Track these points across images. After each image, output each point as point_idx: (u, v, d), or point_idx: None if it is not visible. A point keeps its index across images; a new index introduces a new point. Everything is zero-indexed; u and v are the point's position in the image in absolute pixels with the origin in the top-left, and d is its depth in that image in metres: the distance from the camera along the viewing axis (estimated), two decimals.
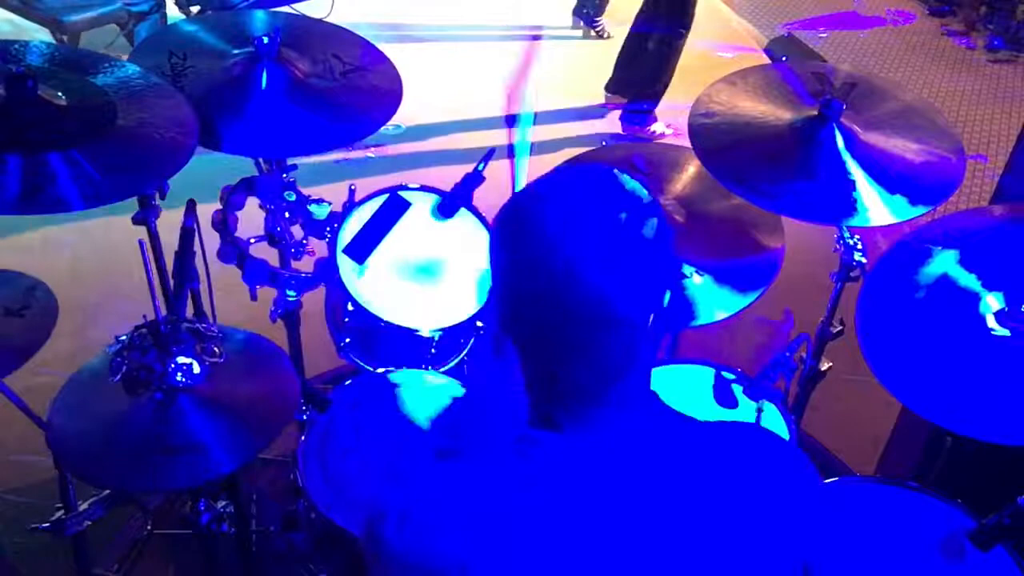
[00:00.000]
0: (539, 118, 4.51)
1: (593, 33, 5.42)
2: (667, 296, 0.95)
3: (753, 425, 1.70)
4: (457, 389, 1.89)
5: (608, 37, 5.36)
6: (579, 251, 0.87)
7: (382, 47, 2.13)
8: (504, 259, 0.94)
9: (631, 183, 0.94)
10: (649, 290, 0.92)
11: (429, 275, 2.03)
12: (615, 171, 0.94)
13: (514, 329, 0.95)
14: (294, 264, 2.14)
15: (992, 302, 1.57)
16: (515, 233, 0.92)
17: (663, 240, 0.91)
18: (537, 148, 4.20)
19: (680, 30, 4.23)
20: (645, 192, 0.93)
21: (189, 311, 1.88)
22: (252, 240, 2.06)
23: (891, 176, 1.79)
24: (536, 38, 1.96)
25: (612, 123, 4.54)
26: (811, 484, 1.02)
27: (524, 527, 0.88)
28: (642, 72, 4.40)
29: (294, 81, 1.94)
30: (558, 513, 0.89)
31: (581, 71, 4.61)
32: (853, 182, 1.77)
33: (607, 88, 4.59)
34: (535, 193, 0.93)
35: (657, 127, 4.46)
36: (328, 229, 2.03)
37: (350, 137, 2.00)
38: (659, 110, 4.47)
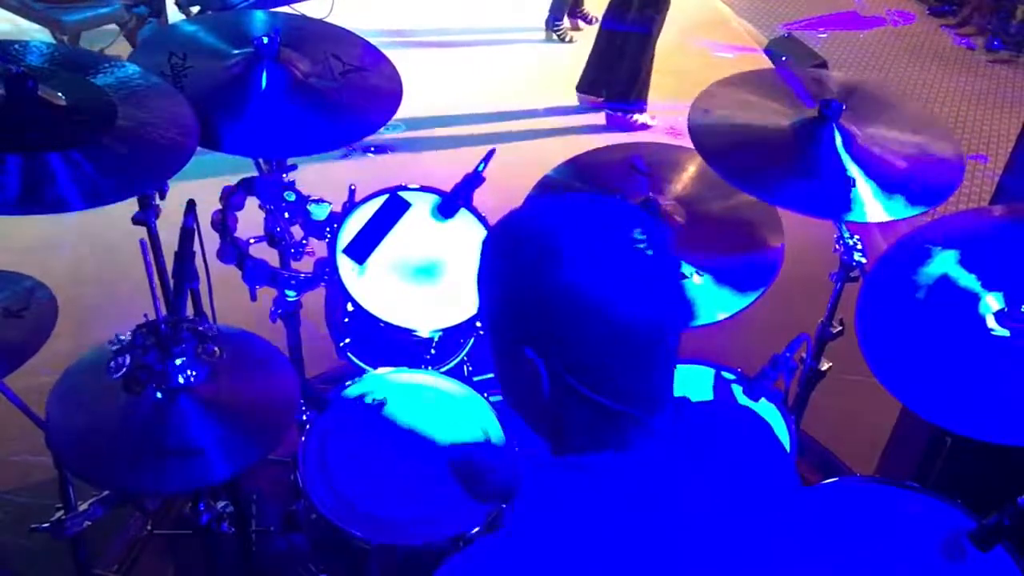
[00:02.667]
0: (537, 119, 4.52)
1: (584, 24, 5.46)
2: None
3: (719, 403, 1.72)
4: (456, 389, 1.89)
5: (595, 20, 5.40)
6: (621, 291, 0.87)
7: (382, 47, 2.13)
8: (532, 308, 0.91)
9: (623, 204, 0.95)
10: (678, 299, 0.93)
11: (429, 275, 2.03)
12: (603, 198, 0.95)
13: (557, 368, 0.92)
14: (294, 264, 2.14)
15: (992, 302, 1.57)
16: (541, 285, 0.89)
17: (668, 247, 0.92)
18: (532, 149, 4.21)
19: (651, 23, 4.21)
20: (634, 207, 0.94)
21: (189, 311, 1.88)
22: (252, 240, 2.06)
23: (890, 177, 1.79)
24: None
25: (599, 119, 4.55)
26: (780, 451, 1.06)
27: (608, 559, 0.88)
28: (619, 70, 4.39)
29: (294, 81, 1.94)
30: (635, 535, 0.89)
31: (579, 72, 4.61)
32: (852, 180, 1.77)
33: (579, 88, 4.59)
34: (546, 250, 0.89)
35: (641, 117, 4.45)
36: (328, 229, 2.03)
37: (350, 137, 2.00)
38: (659, 110, 4.48)
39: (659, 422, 0.95)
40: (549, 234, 0.90)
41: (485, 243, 0.96)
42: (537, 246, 0.90)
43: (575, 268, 0.88)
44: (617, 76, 4.42)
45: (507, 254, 0.93)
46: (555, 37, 5.36)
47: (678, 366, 0.97)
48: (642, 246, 0.90)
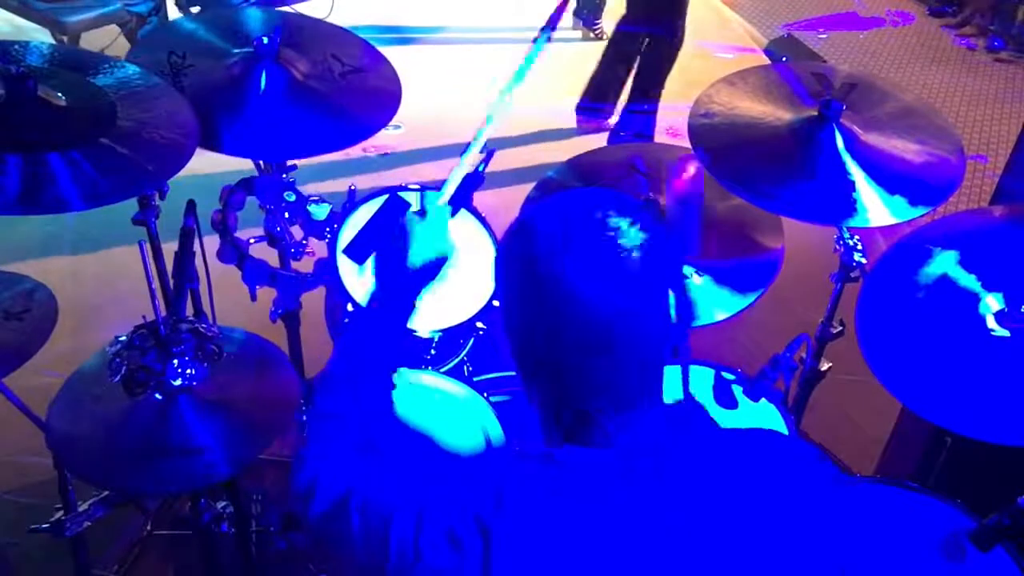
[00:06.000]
0: (538, 119, 4.51)
1: (592, 35, 5.43)
2: (672, 302, 0.96)
3: (764, 431, 1.70)
4: (457, 389, 1.89)
5: (606, 38, 5.37)
6: (581, 278, 0.90)
7: (381, 48, 2.13)
8: (515, 295, 0.98)
9: (615, 199, 0.95)
10: (650, 300, 0.93)
11: None
12: (597, 192, 0.98)
13: (530, 358, 0.97)
14: (294, 264, 2.14)
15: (992, 302, 1.57)
16: (521, 272, 0.96)
17: (656, 250, 0.93)
18: (532, 150, 4.20)
19: (674, 32, 4.21)
20: (631, 205, 0.95)
21: (189, 311, 1.88)
22: (252, 240, 2.06)
23: (891, 176, 1.79)
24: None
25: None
26: (833, 486, 1.03)
27: (559, 541, 0.89)
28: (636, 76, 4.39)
29: (293, 82, 1.94)
30: (592, 529, 0.90)
31: (581, 71, 4.60)
32: (853, 182, 1.77)
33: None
34: (531, 228, 0.96)
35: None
36: (328, 229, 2.03)
37: (349, 140, 1.99)
38: (658, 110, 4.48)
39: (629, 422, 0.95)
40: (537, 225, 0.95)
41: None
42: (525, 235, 0.96)
43: (554, 259, 0.91)
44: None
45: (509, 240, 0.99)
46: (592, 35, 5.38)
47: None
48: (623, 240, 0.91)
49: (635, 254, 0.91)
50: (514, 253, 0.96)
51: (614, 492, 0.91)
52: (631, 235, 0.91)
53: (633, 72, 4.36)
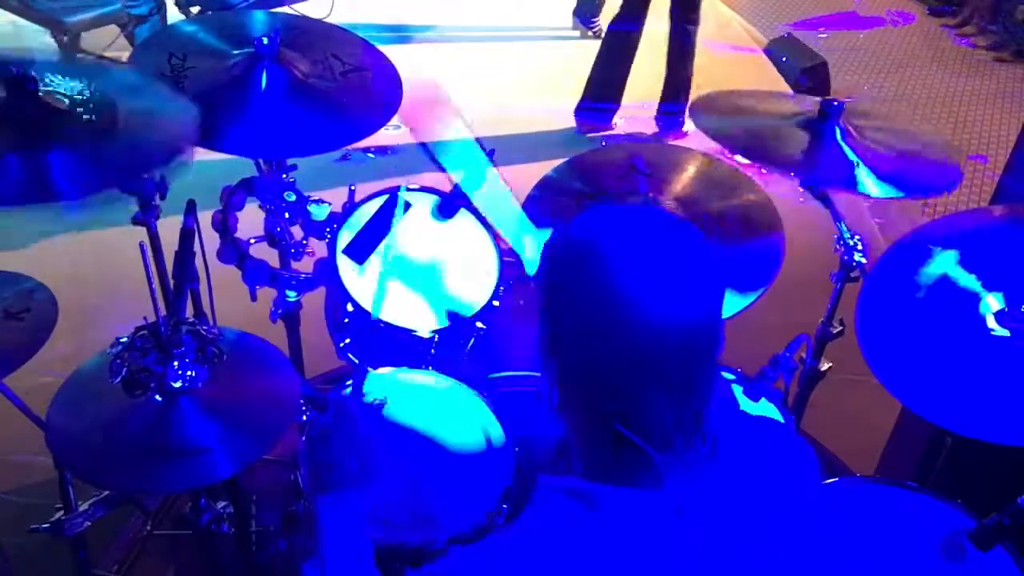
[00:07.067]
0: (538, 119, 4.52)
1: (590, 34, 5.43)
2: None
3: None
4: (457, 389, 1.89)
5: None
6: (646, 297, 0.87)
7: (382, 47, 2.13)
8: (568, 320, 0.93)
9: (666, 217, 0.95)
10: (713, 315, 0.92)
11: (429, 275, 2.03)
12: (649, 210, 0.95)
13: (581, 379, 0.93)
14: (294, 264, 2.14)
15: (992, 302, 1.57)
16: (576, 295, 0.91)
17: (710, 266, 0.92)
18: (532, 149, 4.20)
19: (688, 27, 4.23)
20: (681, 222, 0.94)
21: (189, 312, 1.88)
22: (252, 240, 2.06)
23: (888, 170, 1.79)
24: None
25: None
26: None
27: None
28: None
29: (294, 81, 1.94)
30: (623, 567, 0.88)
31: (580, 71, 4.61)
32: (854, 164, 1.78)
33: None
34: (585, 250, 0.91)
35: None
36: (328, 229, 2.03)
37: (350, 137, 2.00)
38: (655, 108, 4.49)
39: (673, 464, 0.92)
40: (590, 242, 0.91)
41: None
42: (577, 251, 0.92)
43: (610, 274, 0.88)
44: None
45: (553, 255, 0.95)
46: (590, 34, 5.39)
47: None
48: (684, 259, 0.90)
49: (695, 272, 0.90)
50: (566, 274, 0.92)
51: (659, 540, 0.90)
52: (689, 254, 0.91)
53: (630, 71, 4.38)
